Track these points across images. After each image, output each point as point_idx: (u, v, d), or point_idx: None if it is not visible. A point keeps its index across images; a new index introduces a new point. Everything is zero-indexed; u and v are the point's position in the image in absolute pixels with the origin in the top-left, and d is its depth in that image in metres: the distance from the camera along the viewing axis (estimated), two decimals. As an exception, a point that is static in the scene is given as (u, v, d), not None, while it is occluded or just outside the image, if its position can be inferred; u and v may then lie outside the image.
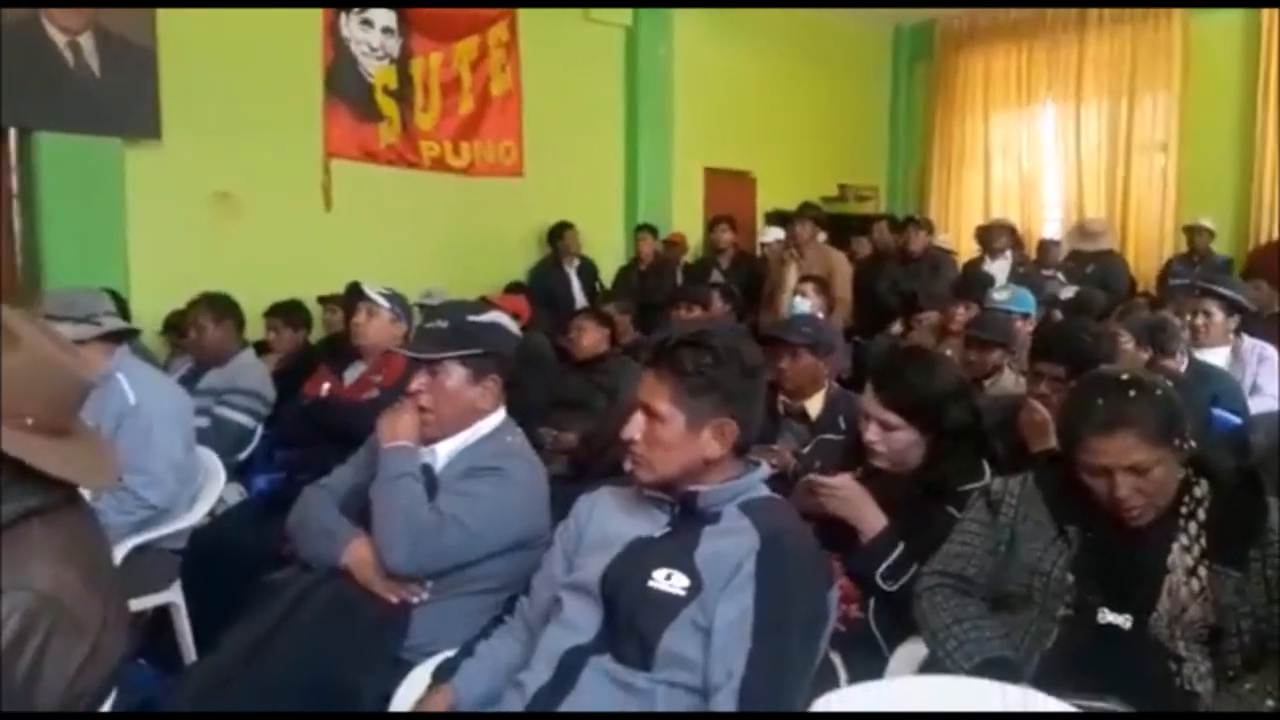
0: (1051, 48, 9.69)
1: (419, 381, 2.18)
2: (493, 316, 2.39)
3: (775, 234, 7.53)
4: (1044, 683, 1.61)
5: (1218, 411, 3.41)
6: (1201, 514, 1.73)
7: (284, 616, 2.01)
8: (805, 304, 5.09)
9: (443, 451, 2.19)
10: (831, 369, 3.56)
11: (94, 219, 4.83)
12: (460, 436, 2.20)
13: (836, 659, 1.90)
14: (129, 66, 4.97)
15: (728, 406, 1.66)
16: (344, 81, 6.10)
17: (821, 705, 1.54)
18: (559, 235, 7.18)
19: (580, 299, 6.96)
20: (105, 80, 4.87)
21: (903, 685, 1.66)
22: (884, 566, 2.05)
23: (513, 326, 2.53)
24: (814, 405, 3.33)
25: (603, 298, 6.72)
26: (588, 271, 7.35)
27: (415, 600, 2.06)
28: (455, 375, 2.18)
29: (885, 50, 10.72)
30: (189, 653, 2.98)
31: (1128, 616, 1.69)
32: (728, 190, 8.92)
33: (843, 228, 8.45)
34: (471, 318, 2.30)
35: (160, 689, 2.57)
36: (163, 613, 3.04)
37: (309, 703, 1.86)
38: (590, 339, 4.33)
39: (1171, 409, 1.70)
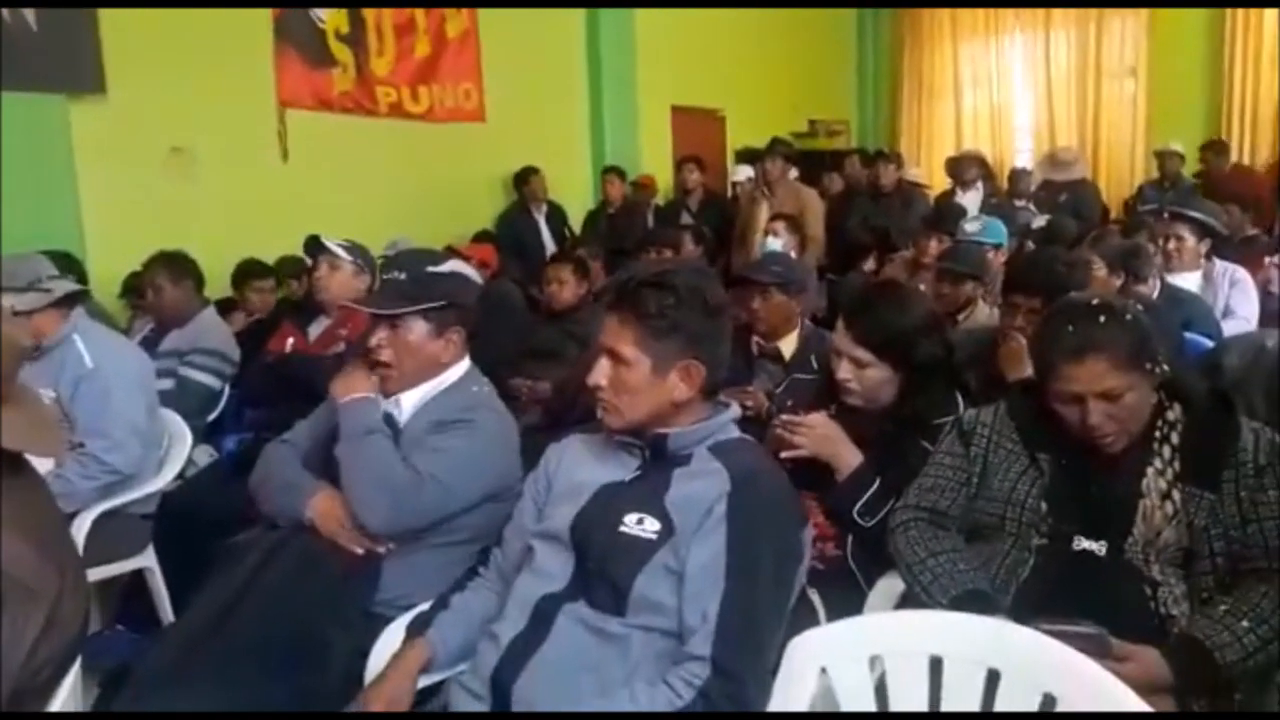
0: (1019, -26, 9.59)
1: (379, 337, 2.13)
2: (452, 265, 2.31)
3: (746, 172, 7.46)
4: (1021, 613, 1.61)
5: (1190, 335, 3.42)
6: (1174, 438, 1.72)
7: (252, 576, 1.97)
8: (777, 243, 5.05)
9: (407, 403, 2.16)
10: (804, 308, 3.54)
11: (42, 179, 4.66)
12: (424, 387, 2.16)
13: (815, 597, 1.90)
14: (67, 19, 4.76)
15: (693, 348, 1.63)
16: (294, 27, 5.89)
17: (800, 643, 1.53)
18: (525, 180, 7.06)
19: (550, 245, 6.88)
20: (43, 34, 4.68)
21: (879, 621, 1.65)
22: (861, 502, 2.04)
23: (474, 275, 2.46)
24: (788, 345, 3.32)
25: (572, 243, 6.64)
26: (557, 217, 7.24)
27: (382, 550, 2.03)
28: (416, 329, 2.12)
29: (852, -19, 10.57)
30: (166, 616, 2.97)
31: (1103, 543, 1.69)
32: (696, 129, 8.81)
33: (814, 164, 8.39)
34: (430, 268, 2.22)
35: (135, 653, 2.54)
36: (139, 577, 3.02)
37: (283, 661, 1.83)
38: (571, 292, 4.20)
39: (1142, 333, 1.68)
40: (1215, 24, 8.57)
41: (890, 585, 1.91)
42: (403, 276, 2.17)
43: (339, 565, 2.01)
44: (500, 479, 2.10)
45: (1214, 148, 7.97)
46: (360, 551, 2.02)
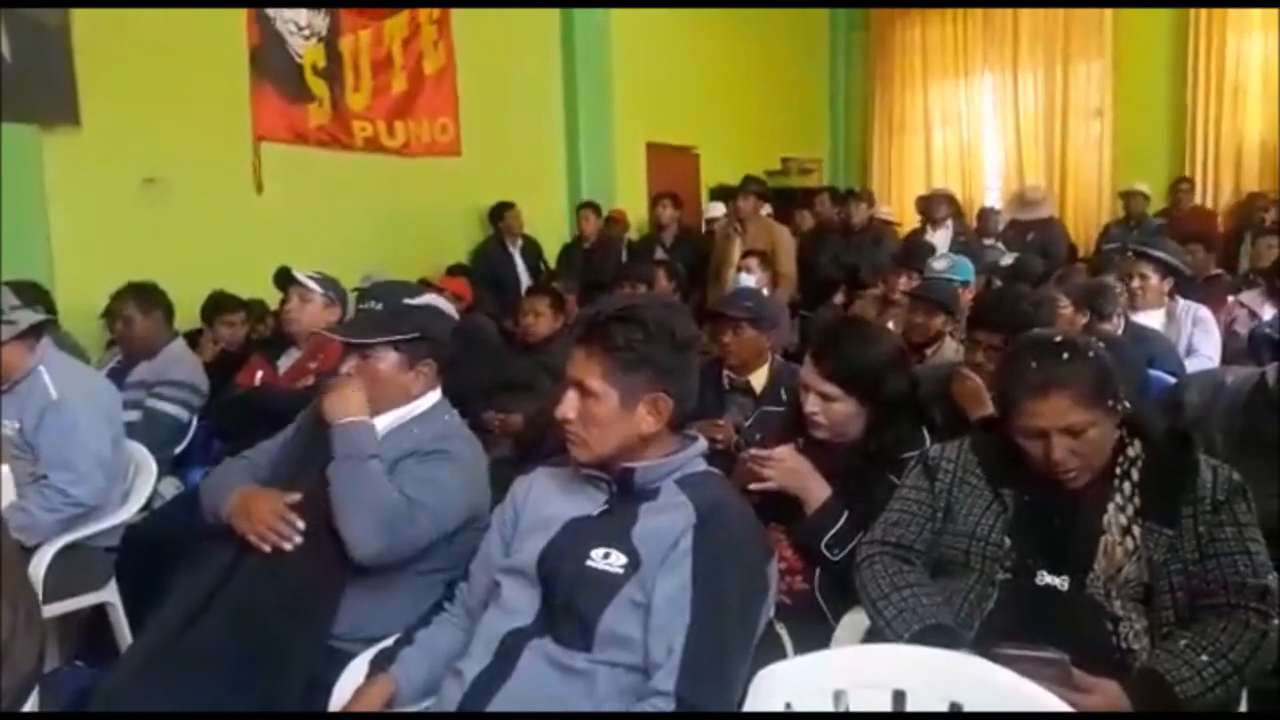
0: (986, 18, 9.81)
1: (349, 365, 2.13)
2: (429, 299, 2.32)
3: (719, 209, 7.53)
4: (985, 647, 1.61)
5: (1154, 372, 3.47)
6: (1135, 474, 1.74)
7: (216, 583, 1.96)
8: (750, 279, 5.10)
9: (377, 426, 2.13)
10: (775, 343, 3.57)
11: (13, 209, 4.63)
12: (394, 414, 2.15)
13: (782, 631, 1.90)
14: (41, 50, 4.76)
15: (661, 381, 1.64)
16: (271, 61, 5.92)
17: (765, 677, 1.52)
18: (500, 215, 7.08)
19: (525, 279, 6.88)
20: (16, 65, 4.67)
21: (843, 655, 1.65)
22: (829, 535, 2.05)
23: (450, 309, 2.47)
24: (758, 379, 3.34)
25: (547, 277, 6.65)
26: (532, 251, 7.26)
27: (288, 547, 1.97)
28: (388, 360, 2.12)
29: (823, 21, 10.75)
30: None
31: (1065, 578, 1.70)
32: (671, 165, 8.89)
33: (787, 200, 8.48)
34: (407, 300, 2.22)
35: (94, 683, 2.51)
36: (100, 612, 2.97)
37: (242, 668, 1.83)
38: (547, 324, 4.21)
39: (1104, 370, 1.71)
40: (1179, 65, 8.78)
41: (857, 619, 1.91)
42: (378, 306, 2.17)
43: (302, 573, 1.98)
44: (474, 508, 2.10)
45: (1178, 186, 8.16)
46: (267, 549, 1.97)
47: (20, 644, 1.31)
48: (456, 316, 2.55)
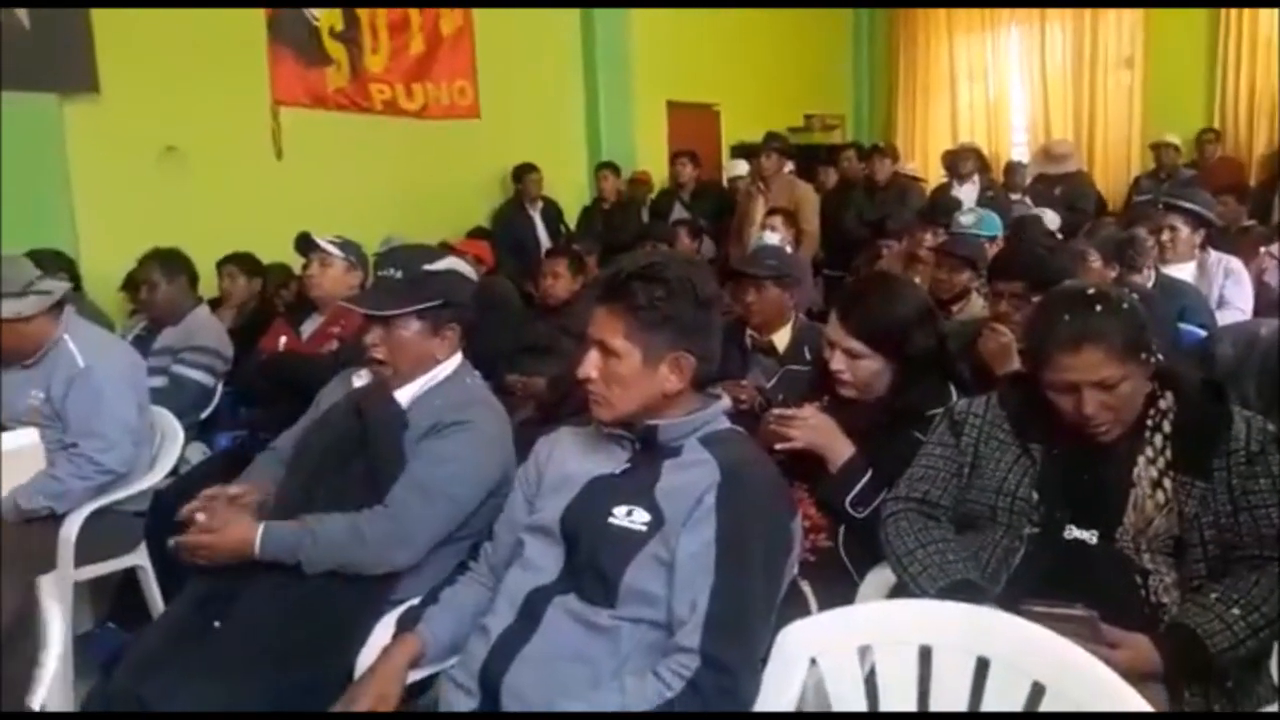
0: (1013, -32, 9.57)
1: (374, 335, 2.11)
2: (449, 263, 2.29)
3: (741, 168, 7.45)
4: (1012, 602, 1.60)
5: (1184, 326, 3.42)
6: (1166, 426, 1.71)
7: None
8: (773, 237, 5.04)
9: (403, 398, 2.14)
10: (799, 301, 3.54)
11: (35, 179, 4.64)
12: (419, 382, 2.15)
13: (807, 588, 1.89)
14: (60, 19, 4.74)
15: (684, 339, 1.62)
16: (288, 25, 5.86)
17: (790, 633, 1.52)
18: (520, 178, 7.05)
19: (546, 242, 6.86)
20: (35, 34, 4.66)
21: (868, 611, 1.65)
22: (853, 493, 2.04)
23: (470, 272, 2.45)
24: (781, 338, 3.32)
25: (568, 239, 6.62)
26: (552, 213, 7.23)
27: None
28: (412, 328, 2.11)
29: (846, -26, 10.55)
30: (158, 613, 2.95)
31: (1094, 532, 1.68)
32: (692, 124, 8.79)
33: (810, 158, 8.39)
34: (426, 266, 2.19)
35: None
36: (131, 575, 3.01)
37: (279, 652, 1.84)
38: (565, 286, 4.20)
39: (1137, 322, 1.68)
40: (1212, 15, 8.55)
41: (882, 577, 1.91)
42: (398, 275, 2.15)
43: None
44: (500, 475, 2.09)
45: (1203, 137, 7.99)
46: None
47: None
48: (476, 279, 2.52)
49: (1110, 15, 9.07)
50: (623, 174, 7.63)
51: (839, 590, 1.91)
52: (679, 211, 7.03)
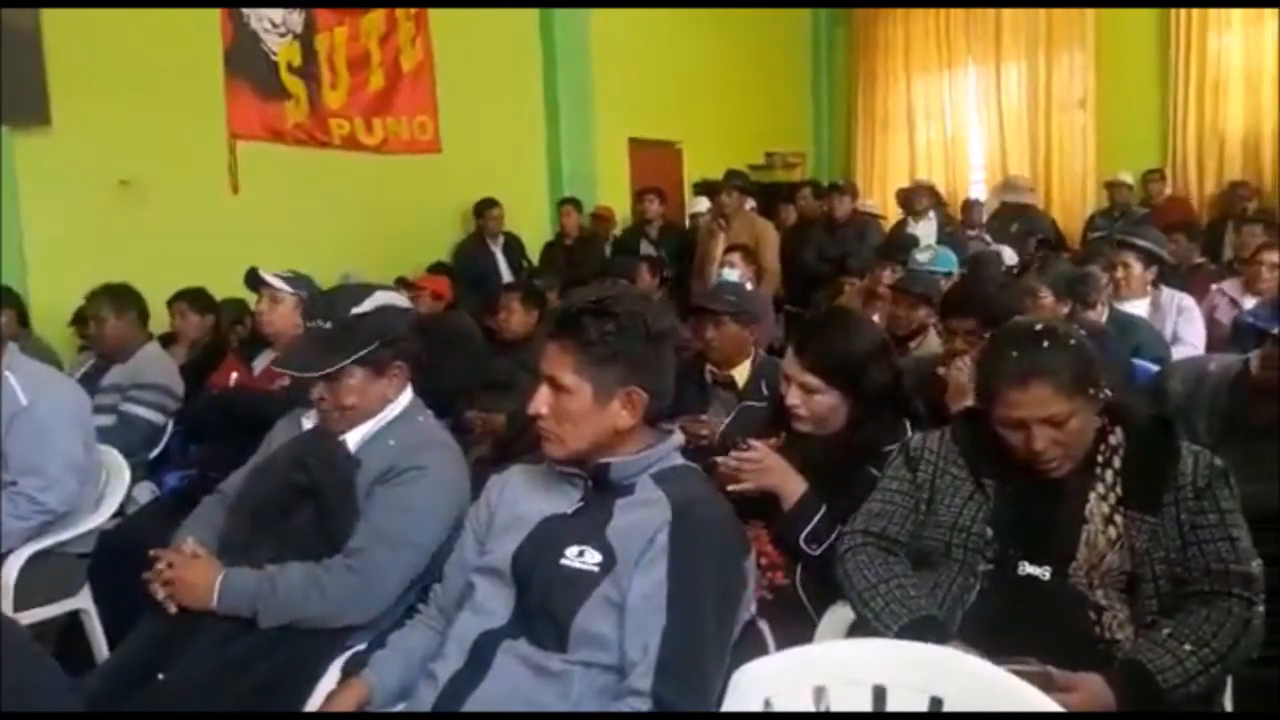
0: (969, 10, 9.78)
1: (318, 390, 2.06)
2: (377, 299, 2.16)
3: (703, 204, 7.50)
4: (968, 638, 1.59)
5: (1138, 361, 3.46)
6: (1117, 462, 1.72)
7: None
8: (733, 274, 5.06)
9: (353, 440, 2.09)
10: (759, 338, 3.54)
11: (-16, 212, 4.59)
12: (368, 424, 2.10)
13: (764, 627, 1.87)
14: (11, 50, 4.69)
15: (635, 374, 1.60)
16: (246, 59, 5.85)
17: (745, 674, 1.50)
18: (482, 212, 7.04)
19: (507, 276, 6.84)
20: (-14, 65, 4.62)
21: (822, 651, 1.63)
22: (807, 530, 2.02)
23: (401, 301, 2.29)
24: (741, 374, 3.31)
25: (529, 274, 6.62)
26: (514, 248, 7.23)
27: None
28: (356, 376, 2.05)
29: (806, 16, 10.72)
30: (103, 659, 2.86)
31: (1047, 568, 1.68)
32: (654, 161, 8.85)
33: (771, 195, 8.46)
34: (355, 310, 2.09)
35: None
36: (75, 619, 2.92)
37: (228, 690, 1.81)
38: (520, 321, 4.18)
39: (1085, 358, 1.69)
40: (1162, 56, 8.78)
41: (840, 614, 1.89)
42: (326, 325, 2.07)
43: None
44: (456, 517, 2.03)
45: (1148, 177, 8.19)
46: (173, 611, 1.96)
47: None
48: (409, 305, 2.43)
49: (1064, 56, 9.28)
50: (585, 210, 7.64)
51: (797, 629, 1.89)
52: (645, 248, 7.05)
